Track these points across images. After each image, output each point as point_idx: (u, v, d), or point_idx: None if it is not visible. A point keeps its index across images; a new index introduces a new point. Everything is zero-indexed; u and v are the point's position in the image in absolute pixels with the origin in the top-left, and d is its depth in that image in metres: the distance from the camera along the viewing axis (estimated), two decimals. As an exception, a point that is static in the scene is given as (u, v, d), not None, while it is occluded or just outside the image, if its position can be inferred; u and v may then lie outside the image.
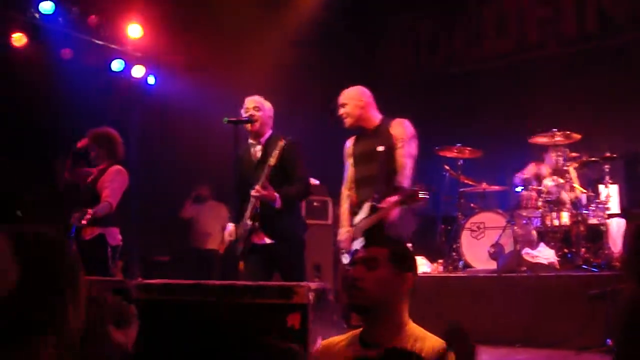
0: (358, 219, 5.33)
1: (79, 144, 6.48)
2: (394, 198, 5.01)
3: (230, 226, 5.55)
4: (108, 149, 6.38)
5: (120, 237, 6.30)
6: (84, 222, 5.82)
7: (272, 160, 5.30)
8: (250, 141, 5.66)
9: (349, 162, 5.62)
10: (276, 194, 5.31)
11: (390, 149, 5.29)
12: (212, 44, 9.91)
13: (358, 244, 5.15)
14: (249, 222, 5.39)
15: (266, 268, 5.44)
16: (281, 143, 5.31)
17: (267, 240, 5.42)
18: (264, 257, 5.41)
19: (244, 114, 5.59)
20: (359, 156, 5.52)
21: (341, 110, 5.50)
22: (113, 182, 6.26)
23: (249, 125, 5.54)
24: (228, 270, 7.62)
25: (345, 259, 5.34)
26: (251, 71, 9.40)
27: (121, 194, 6.32)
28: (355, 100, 5.47)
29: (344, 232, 5.44)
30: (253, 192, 5.29)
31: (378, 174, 5.28)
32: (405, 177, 5.20)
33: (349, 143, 5.64)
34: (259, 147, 5.62)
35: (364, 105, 5.47)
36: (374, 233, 5.00)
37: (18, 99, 8.89)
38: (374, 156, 5.31)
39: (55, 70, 9.40)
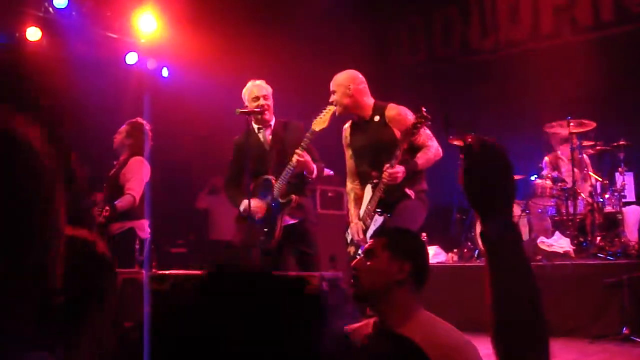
0: (364, 207, 5.17)
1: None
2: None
3: (245, 203, 5.50)
4: (136, 139, 6.36)
5: (149, 229, 6.26)
6: (101, 219, 5.84)
7: (318, 125, 5.25)
8: (256, 126, 5.68)
9: (348, 154, 5.45)
10: (314, 164, 5.37)
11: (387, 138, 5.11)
12: (225, 35, 9.92)
13: (370, 232, 5.08)
14: (282, 200, 5.39)
15: (283, 251, 5.49)
16: (332, 108, 5.24)
17: (290, 220, 5.46)
18: (284, 241, 5.45)
19: (252, 102, 5.60)
20: (359, 150, 5.34)
21: (331, 98, 5.29)
22: (135, 174, 6.22)
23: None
24: (246, 260, 7.64)
25: (353, 249, 5.23)
26: (263, 62, 9.41)
27: (144, 185, 6.26)
28: (343, 88, 5.23)
29: (353, 226, 5.26)
30: (296, 157, 5.27)
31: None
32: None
33: (346, 132, 5.45)
34: (268, 132, 5.65)
35: (353, 92, 5.21)
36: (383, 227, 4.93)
37: (33, 93, 8.94)
38: (373, 151, 5.15)
39: (69, 64, 9.45)
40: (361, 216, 5.18)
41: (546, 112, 8.44)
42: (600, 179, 7.69)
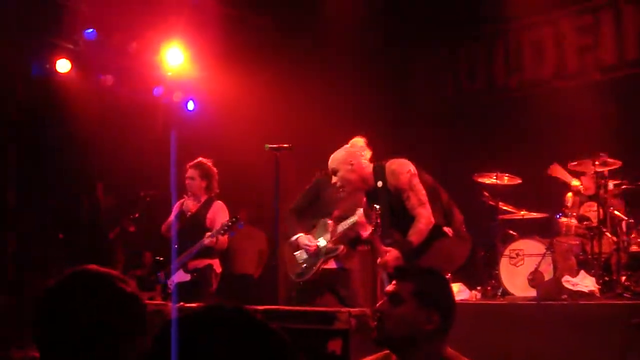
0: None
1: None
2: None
3: (299, 236, 5.74)
4: (209, 180, 6.94)
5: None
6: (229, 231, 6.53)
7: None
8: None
9: None
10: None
11: (399, 202, 5.02)
12: (252, 69, 10.00)
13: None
14: (331, 246, 5.54)
15: (321, 293, 5.58)
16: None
17: (333, 265, 5.58)
18: (322, 282, 5.56)
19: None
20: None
21: (334, 179, 5.23)
22: (222, 219, 6.73)
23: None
24: (265, 295, 7.69)
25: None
26: (288, 98, 9.47)
27: None
28: (345, 165, 5.14)
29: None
30: (357, 216, 5.46)
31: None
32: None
33: None
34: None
35: (356, 167, 5.12)
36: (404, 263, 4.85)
37: (62, 124, 9.08)
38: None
39: (97, 96, 9.58)
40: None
41: (571, 150, 8.42)
42: (626, 218, 7.63)
